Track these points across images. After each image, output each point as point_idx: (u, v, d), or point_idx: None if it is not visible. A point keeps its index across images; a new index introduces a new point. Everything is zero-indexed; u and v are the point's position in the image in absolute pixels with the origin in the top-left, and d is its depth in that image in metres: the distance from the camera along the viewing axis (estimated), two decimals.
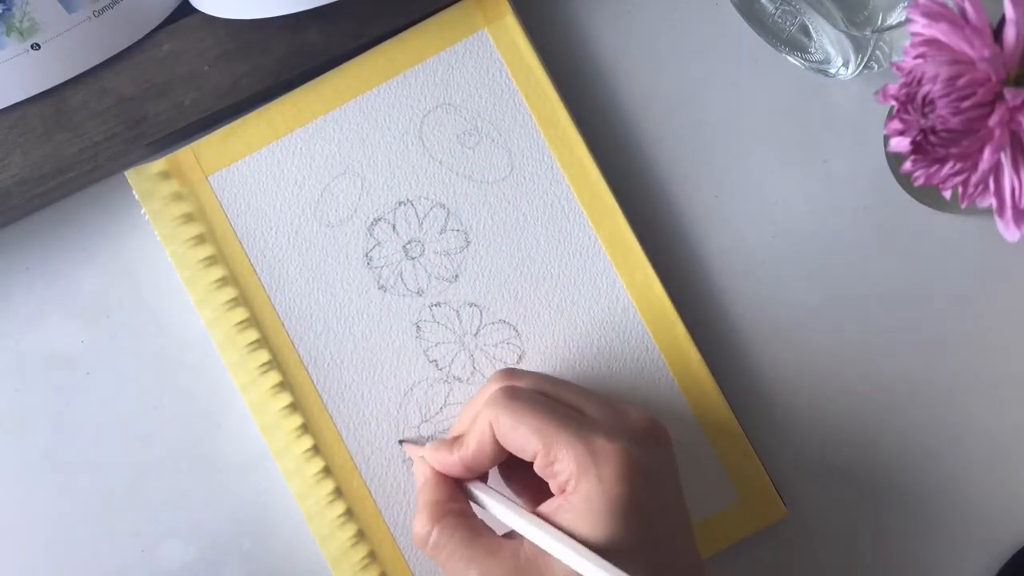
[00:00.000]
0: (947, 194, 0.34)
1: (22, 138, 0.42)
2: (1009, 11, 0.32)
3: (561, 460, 0.35)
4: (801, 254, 0.44)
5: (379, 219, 0.43)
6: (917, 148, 0.33)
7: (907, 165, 0.34)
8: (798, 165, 0.44)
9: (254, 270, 0.43)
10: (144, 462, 0.43)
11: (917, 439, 0.43)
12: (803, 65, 0.44)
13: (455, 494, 0.37)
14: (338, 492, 0.42)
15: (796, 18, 0.42)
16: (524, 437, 0.35)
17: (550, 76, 0.43)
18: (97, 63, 0.42)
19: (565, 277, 0.43)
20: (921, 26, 0.33)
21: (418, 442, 0.42)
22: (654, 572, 0.34)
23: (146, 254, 0.44)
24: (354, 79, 0.43)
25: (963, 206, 0.34)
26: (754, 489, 0.42)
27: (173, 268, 0.42)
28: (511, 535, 0.36)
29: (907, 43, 0.34)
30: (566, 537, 0.34)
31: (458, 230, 0.43)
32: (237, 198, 0.43)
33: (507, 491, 0.39)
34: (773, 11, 0.43)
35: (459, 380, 0.42)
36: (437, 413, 0.42)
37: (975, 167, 0.33)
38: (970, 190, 0.34)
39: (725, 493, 0.42)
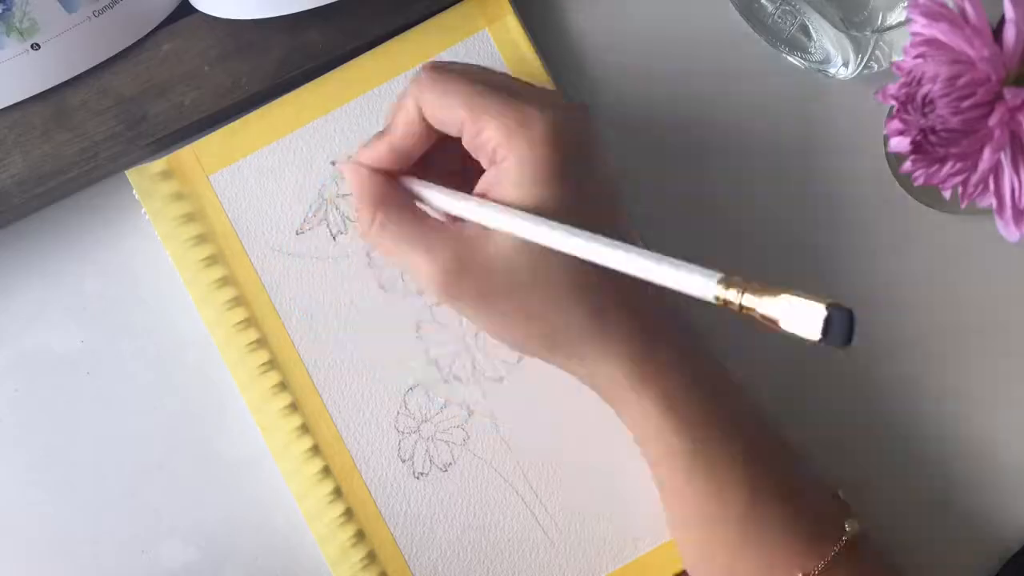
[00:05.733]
0: (947, 194, 0.34)
1: (22, 138, 0.42)
2: (1009, 11, 0.32)
3: (489, 128, 0.35)
4: (801, 254, 0.44)
5: None
6: (917, 148, 0.33)
7: (907, 165, 0.34)
8: (798, 165, 0.44)
9: (254, 270, 0.43)
10: (144, 462, 0.43)
11: (916, 438, 0.43)
12: (803, 65, 0.44)
13: (394, 187, 0.37)
14: (338, 492, 0.42)
15: (796, 18, 0.42)
16: (450, 108, 0.35)
17: (551, 76, 0.43)
18: (97, 63, 0.42)
19: None
20: (921, 26, 0.33)
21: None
22: (585, 225, 0.34)
23: (146, 254, 0.44)
24: (355, 79, 0.43)
25: (963, 206, 0.34)
26: None
27: (173, 268, 0.42)
28: (454, 221, 0.36)
29: (907, 43, 0.34)
30: (502, 207, 0.34)
31: None
32: (238, 198, 0.43)
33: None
34: (773, 11, 0.43)
35: (459, 380, 0.42)
36: (437, 413, 0.42)
37: (975, 167, 0.33)
38: (970, 190, 0.34)
39: None
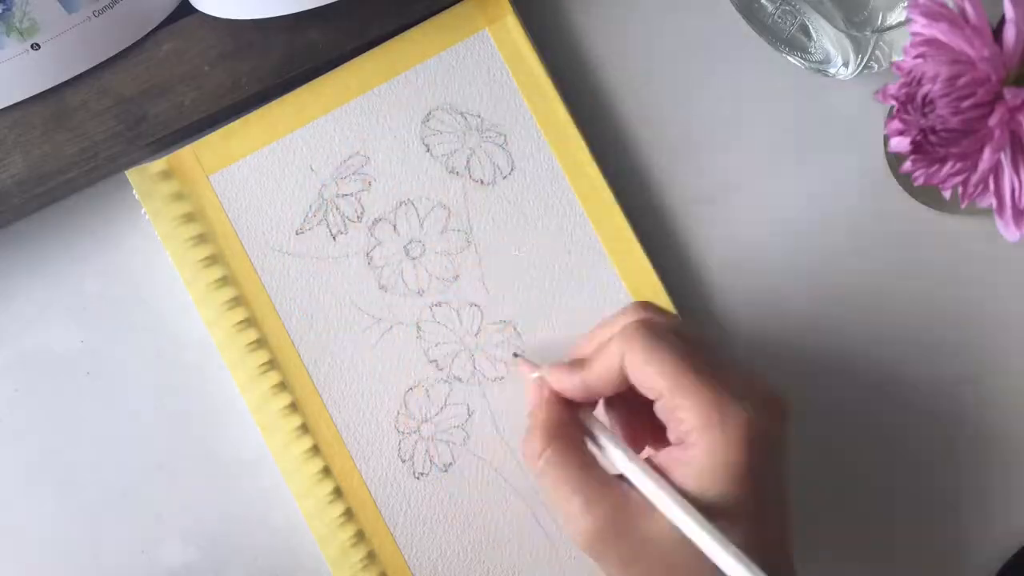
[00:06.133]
0: (947, 194, 0.34)
1: (22, 138, 0.42)
2: (1009, 11, 0.32)
3: (686, 410, 0.34)
4: (801, 255, 0.44)
5: (380, 219, 0.43)
6: (917, 148, 0.33)
7: (907, 165, 0.34)
8: (798, 165, 0.45)
9: (254, 270, 0.43)
10: (144, 462, 0.43)
11: (917, 439, 0.43)
12: (803, 65, 0.44)
13: (571, 420, 0.37)
14: (338, 492, 0.42)
15: (796, 18, 0.42)
16: (652, 377, 0.34)
17: (550, 76, 0.43)
18: (97, 63, 0.42)
19: (566, 277, 0.43)
20: (921, 26, 0.33)
21: (533, 362, 0.40)
22: (754, 541, 0.33)
23: (146, 254, 0.44)
24: (355, 79, 0.43)
25: (963, 206, 0.34)
26: None
27: (173, 268, 0.42)
28: (620, 478, 0.35)
29: (907, 43, 0.34)
30: (675, 493, 0.33)
31: (459, 230, 0.43)
32: (238, 198, 0.43)
33: (607, 420, 0.38)
34: (773, 11, 0.43)
35: (459, 380, 0.42)
36: (437, 413, 0.42)
37: (975, 167, 0.33)
38: (970, 190, 0.34)
39: None
